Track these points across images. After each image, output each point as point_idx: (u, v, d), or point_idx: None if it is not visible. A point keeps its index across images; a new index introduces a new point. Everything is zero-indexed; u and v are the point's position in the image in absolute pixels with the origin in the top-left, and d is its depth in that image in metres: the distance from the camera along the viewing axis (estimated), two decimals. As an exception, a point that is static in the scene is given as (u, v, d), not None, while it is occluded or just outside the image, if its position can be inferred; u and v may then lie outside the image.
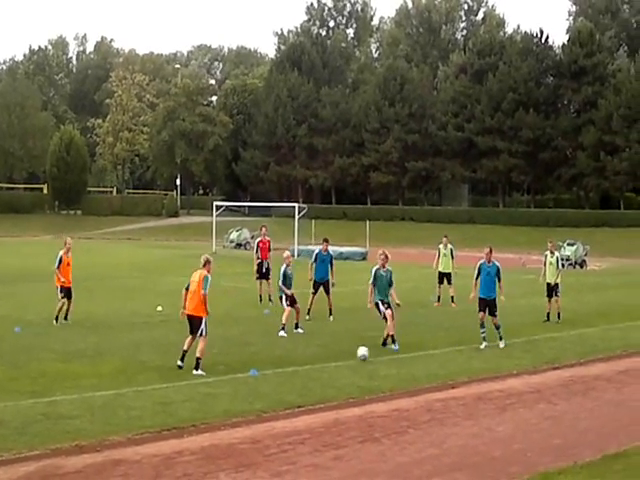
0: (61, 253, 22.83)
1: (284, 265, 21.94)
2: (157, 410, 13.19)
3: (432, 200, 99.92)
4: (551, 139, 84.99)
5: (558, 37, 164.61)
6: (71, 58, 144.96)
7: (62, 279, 22.58)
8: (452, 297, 28.04)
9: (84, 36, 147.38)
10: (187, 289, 16.68)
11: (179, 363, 16.36)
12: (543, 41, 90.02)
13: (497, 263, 20.93)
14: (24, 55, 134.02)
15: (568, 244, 55.42)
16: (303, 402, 13.98)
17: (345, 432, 12.43)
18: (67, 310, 22.58)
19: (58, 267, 22.68)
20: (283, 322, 21.21)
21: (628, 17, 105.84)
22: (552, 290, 24.91)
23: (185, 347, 16.52)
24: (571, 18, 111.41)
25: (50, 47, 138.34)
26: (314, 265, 24.58)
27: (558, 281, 24.98)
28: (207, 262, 16.98)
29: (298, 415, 13.34)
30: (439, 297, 29.14)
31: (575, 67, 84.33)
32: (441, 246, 29.94)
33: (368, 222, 64.31)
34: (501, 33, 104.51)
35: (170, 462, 10.78)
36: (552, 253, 25.47)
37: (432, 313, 26.72)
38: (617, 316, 26.18)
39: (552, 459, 11.19)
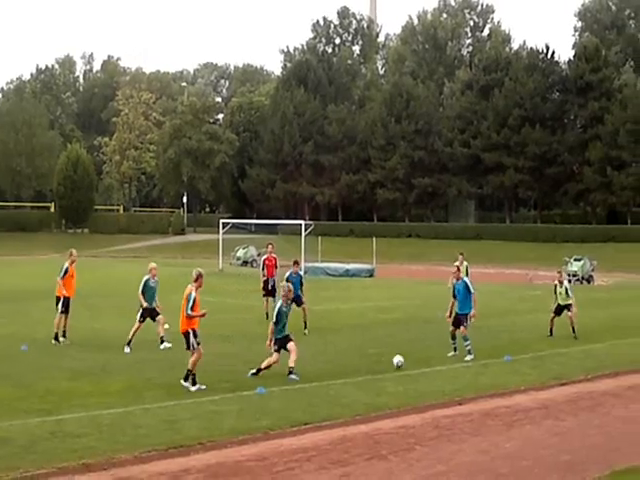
0: (67, 264, 22.77)
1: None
2: (164, 428, 13.18)
3: (438, 216, 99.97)
4: (557, 154, 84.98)
5: (564, 53, 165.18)
6: (78, 77, 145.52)
7: (64, 291, 22.49)
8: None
9: (91, 55, 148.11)
10: None
11: (193, 388, 16.31)
12: (549, 57, 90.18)
13: (465, 278, 21.50)
14: (31, 74, 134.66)
15: (575, 259, 55.32)
16: (309, 419, 13.96)
17: (352, 449, 12.40)
18: (65, 327, 22.45)
19: (63, 277, 22.61)
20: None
21: (634, 32, 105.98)
22: (562, 309, 24.80)
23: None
24: (577, 34, 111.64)
25: (57, 66, 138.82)
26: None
27: (570, 302, 24.84)
28: (199, 276, 16.80)
29: (305, 432, 13.32)
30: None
31: (581, 82, 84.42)
32: (457, 263, 29.93)
33: (375, 239, 64.31)
34: (507, 49, 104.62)
35: (177, 480, 10.78)
36: (561, 284, 25.23)
37: (439, 329, 26.65)
38: (625, 331, 26.11)
39: (560, 475, 11.17)
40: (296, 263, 26.37)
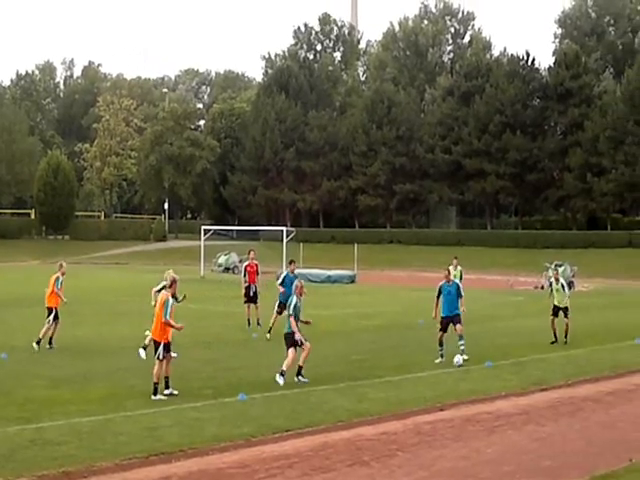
0: (60, 277, 23.05)
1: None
2: (145, 435, 13.14)
3: (420, 222, 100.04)
4: (538, 161, 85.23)
5: (544, 59, 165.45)
6: (58, 83, 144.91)
7: (64, 299, 22.88)
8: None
9: (71, 61, 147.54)
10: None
11: (165, 392, 16.26)
12: (529, 63, 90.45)
13: (457, 281, 22.10)
14: (11, 80, 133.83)
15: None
16: (291, 426, 13.95)
17: (333, 455, 12.39)
18: (52, 335, 22.58)
19: (60, 289, 22.92)
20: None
21: (614, 39, 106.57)
22: (559, 310, 24.91)
23: (162, 375, 16.36)
24: (557, 40, 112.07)
25: (37, 72, 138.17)
26: (282, 287, 25.30)
27: (567, 304, 25.00)
28: (173, 282, 16.59)
29: (286, 439, 13.31)
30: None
31: (561, 89, 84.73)
32: (451, 267, 29.90)
33: (356, 245, 64.38)
34: (487, 56, 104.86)
35: (158, 487, 10.74)
36: (557, 280, 25.54)
37: (420, 335, 26.72)
38: (605, 337, 26.25)
39: (541, 481, 11.20)
40: (292, 262, 26.65)
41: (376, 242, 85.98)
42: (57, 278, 23.06)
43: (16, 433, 13.15)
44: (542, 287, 54.47)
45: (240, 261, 60.51)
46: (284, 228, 64.32)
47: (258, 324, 27.28)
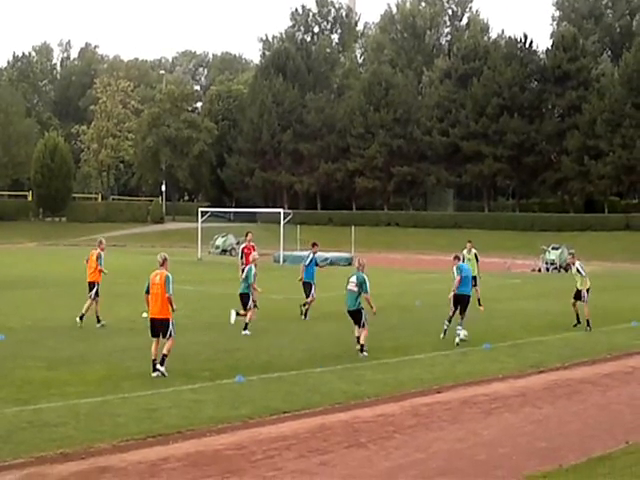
0: (102, 253, 23.93)
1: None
2: (142, 417, 13.15)
3: (417, 205, 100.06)
4: (535, 143, 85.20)
5: (542, 42, 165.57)
6: (55, 64, 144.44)
7: (105, 272, 24.00)
8: (478, 300, 27.92)
9: (68, 42, 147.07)
10: (147, 292, 16.66)
11: (153, 375, 16.25)
12: (527, 46, 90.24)
13: (458, 265, 22.21)
14: (8, 62, 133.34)
15: (553, 248, 55.56)
16: (289, 408, 13.97)
17: (331, 437, 12.42)
18: (97, 311, 23.53)
19: (102, 264, 23.87)
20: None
21: (611, 22, 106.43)
22: (580, 293, 24.86)
23: (153, 356, 16.43)
24: (555, 23, 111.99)
25: (34, 54, 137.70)
26: (306, 268, 25.80)
27: (587, 287, 24.89)
28: (165, 260, 16.95)
29: (284, 421, 13.33)
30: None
31: (559, 72, 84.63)
32: (465, 251, 29.89)
33: (353, 227, 64.38)
34: (485, 38, 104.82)
35: (155, 469, 10.76)
36: (573, 264, 25.54)
37: (417, 317, 26.77)
38: (601, 319, 26.22)
39: (537, 462, 11.23)
40: (315, 245, 27.35)
41: (373, 224, 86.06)
42: (99, 255, 23.79)
43: (14, 414, 13.16)
44: (539, 270, 54.60)
45: (237, 243, 60.45)
46: (281, 210, 64.30)
47: (255, 306, 27.26)
